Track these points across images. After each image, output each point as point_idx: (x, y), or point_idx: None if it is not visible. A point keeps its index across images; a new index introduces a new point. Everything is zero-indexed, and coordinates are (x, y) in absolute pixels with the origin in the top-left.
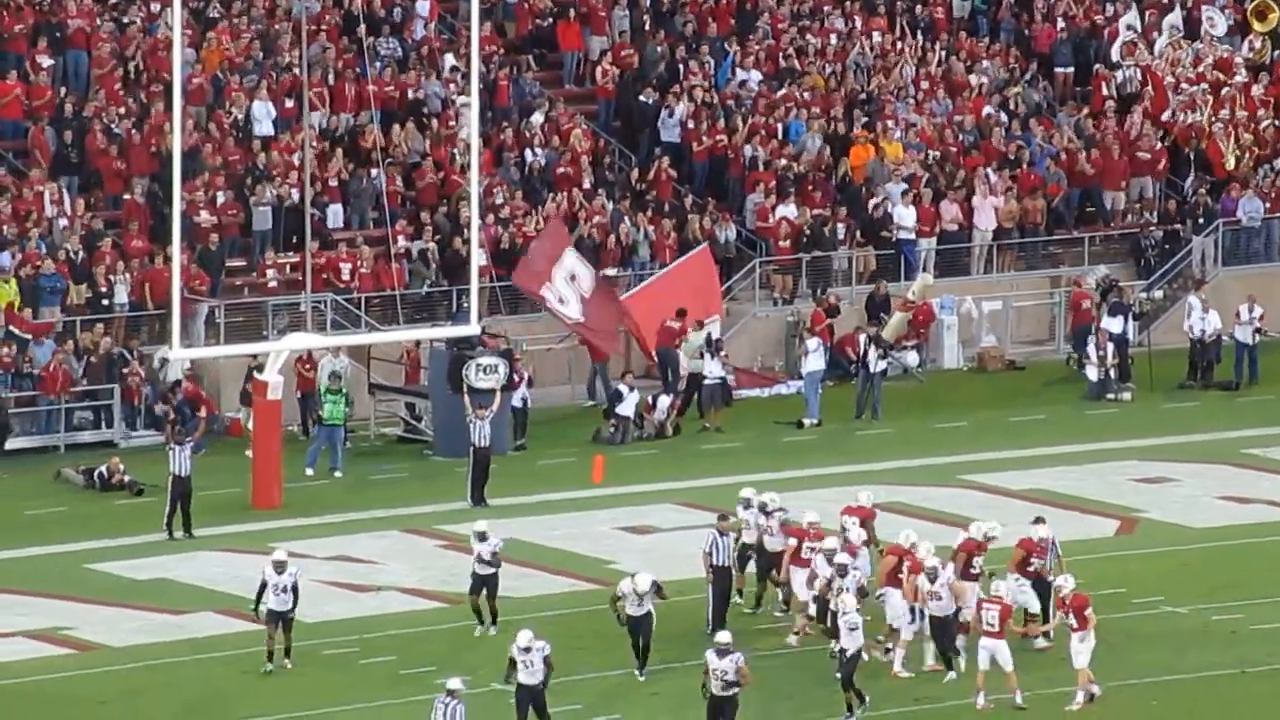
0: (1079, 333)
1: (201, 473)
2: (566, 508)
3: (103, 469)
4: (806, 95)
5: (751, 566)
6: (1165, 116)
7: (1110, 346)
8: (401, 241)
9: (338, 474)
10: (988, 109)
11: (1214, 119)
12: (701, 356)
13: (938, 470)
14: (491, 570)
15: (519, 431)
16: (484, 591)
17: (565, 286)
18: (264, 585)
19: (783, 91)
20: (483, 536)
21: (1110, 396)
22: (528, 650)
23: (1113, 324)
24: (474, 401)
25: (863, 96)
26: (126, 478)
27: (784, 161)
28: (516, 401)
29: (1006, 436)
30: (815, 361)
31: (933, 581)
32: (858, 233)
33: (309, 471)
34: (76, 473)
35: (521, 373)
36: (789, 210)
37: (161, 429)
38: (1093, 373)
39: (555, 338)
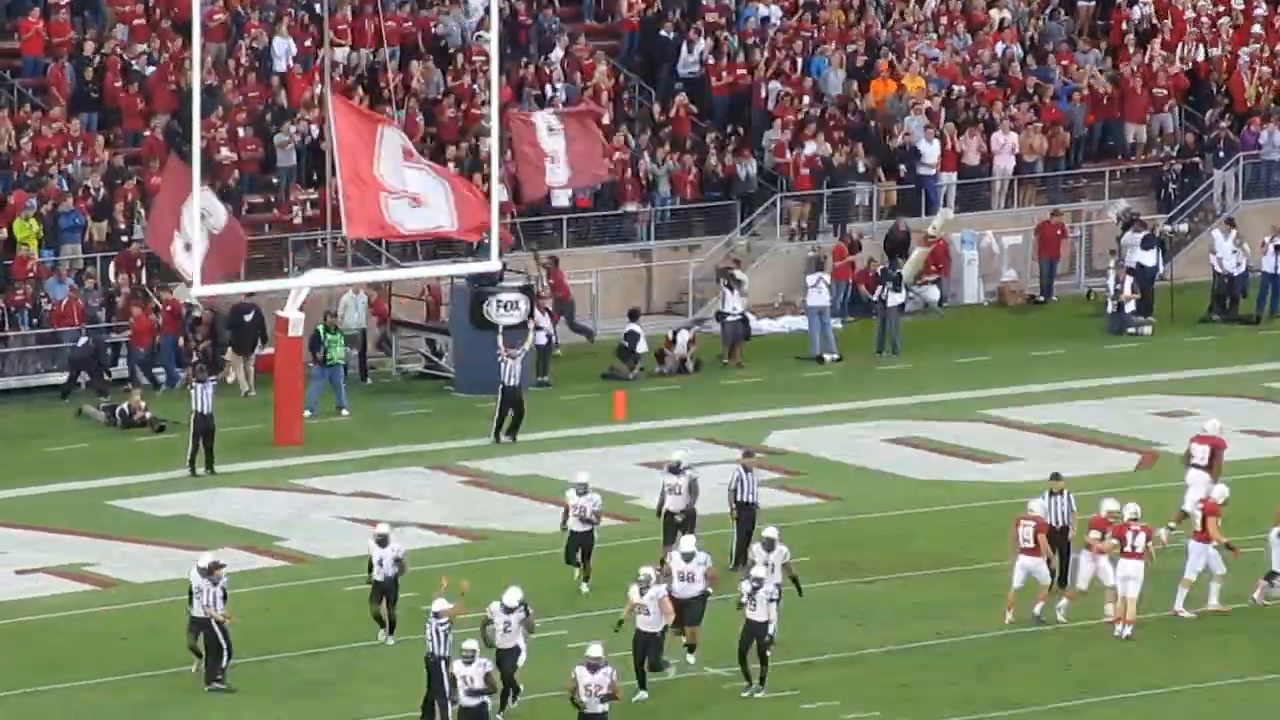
0: (1045, 265)
1: (223, 410)
2: (589, 443)
3: (124, 406)
4: (826, 30)
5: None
6: (1184, 49)
7: (1129, 280)
8: None
9: (345, 413)
10: (1002, 45)
11: (1235, 52)
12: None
13: (958, 405)
14: (588, 528)
15: (542, 368)
16: (579, 553)
17: (192, 229)
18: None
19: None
20: (583, 490)
21: (1130, 330)
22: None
23: (1145, 256)
24: (506, 340)
25: (883, 32)
26: (147, 415)
27: (805, 98)
28: (541, 339)
29: (1027, 371)
30: (817, 297)
31: (642, 594)
32: (879, 168)
33: (307, 414)
34: (98, 410)
35: (545, 309)
36: (811, 147)
37: (184, 366)
38: (1113, 306)
39: (579, 273)
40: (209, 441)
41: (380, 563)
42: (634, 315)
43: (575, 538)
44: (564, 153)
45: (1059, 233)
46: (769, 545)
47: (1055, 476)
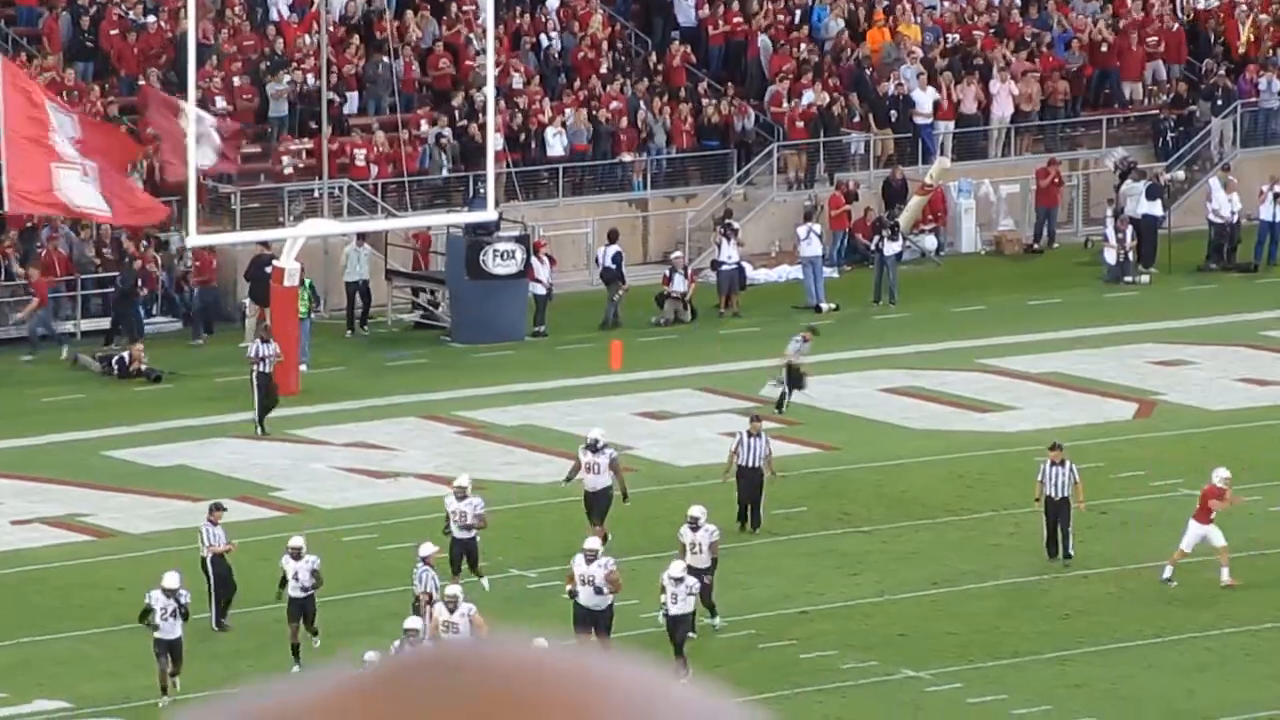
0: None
1: (218, 361)
2: (585, 393)
3: (123, 355)
4: None
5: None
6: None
7: (1130, 229)
8: (425, 126)
9: (304, 367)
10: None
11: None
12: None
13: (955, 354)
14: (470, 534)
15: (539, 318)
16: (464, 559)
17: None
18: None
19: None
20: (462, 494)
21: (1129, 280)
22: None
23: (1150, 206)
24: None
25: None
26: (144, 365)
27: (803, 46)
28: (540, 289)
29: (1024, 320)
30: (809, 247)
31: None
32: (872, 117)
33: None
34: (94, 359)
35: (543, 259)
36: (808, 96)
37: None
38: (1111, 255)
39: (574, 223)
40: (270, 399)
41: (295, 576)
42: (613, 237)
43: (457, 545)
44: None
45: (1055, 181)
46: (694, 524)
47: (1055, 446)
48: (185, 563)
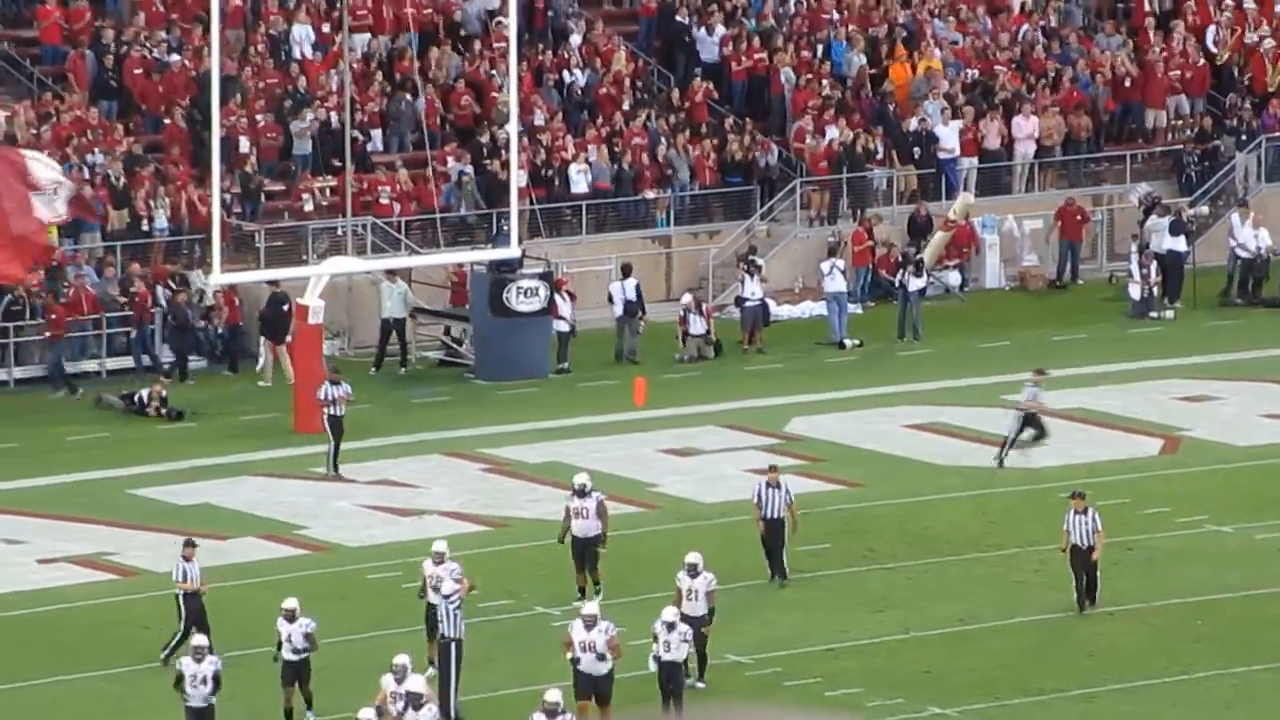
0: (1066, 248)
1: (243, 398)
2: (609, 430)
3: (143, 393)
4: (847, 14)
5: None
6: (1210, 33)
7: (1154, 264)
8: (450, 164)
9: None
10: (1026, 28)
11: (1261, 36)
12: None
13: (980, 390)
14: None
15: (562, 354)
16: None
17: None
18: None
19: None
20: (440, 559)
21: (1153, 315)
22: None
23: (1174, 242)
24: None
25: (902, 14)
26: (165, 403)
27: (825, 83)
28: (564, 326)
29: (1049, 356)
30: (833, 283)
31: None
32: (896, 153)
33: None
34: (117, 398)
35: (565, 296)
36: (833, 132)
37: (201, 353)
38: (1135, 291)
39: (597, 260)
40: (336, 441)
41: (289, 639)
42: (627, 271)
43: (432, 610)
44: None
45: (1079, 218)
46: (692, 571)
47: (1077, 495)
48: (207, 603)
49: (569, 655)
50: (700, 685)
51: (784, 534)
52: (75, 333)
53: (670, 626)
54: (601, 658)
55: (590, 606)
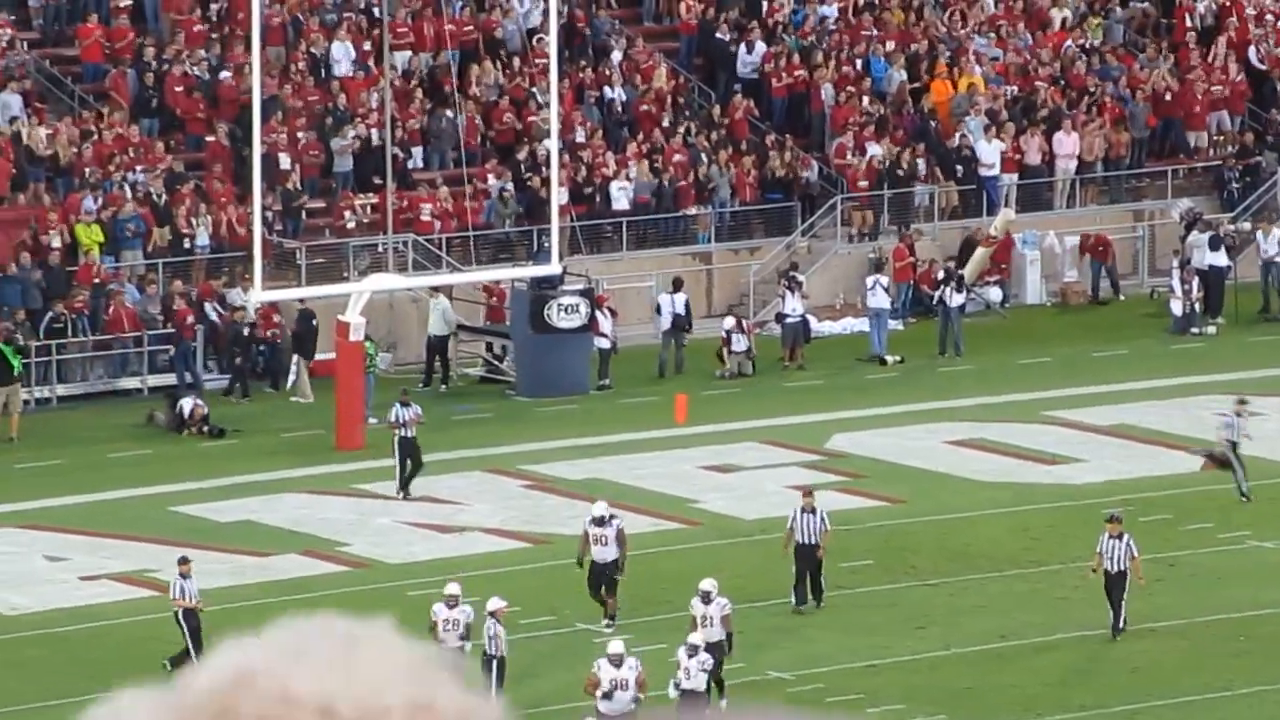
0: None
1: (285, 414)
2: (650, 447)
3: (185, 410)
4: (886, 30)
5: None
6: (1251, 50)
7: (1196, 280)
8: (491, 181)
9: (372, 421)
10: (1069, 44)
11: None
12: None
13: (1021, 406)
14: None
15: (603, 371)
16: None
17: None
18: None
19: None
20: (454, 602)
21: (1195, 331)
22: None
23: (1215, 257)
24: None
25: (942, 32)
26: (205, 420)
27: (865, 99)
28: (605, 343)
29: (1090, 372)
30: (875, 299)
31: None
32: (936, 169)
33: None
34: (163, 415)
35: (606, 312)
36: (874, 149)
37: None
38: (1177, 306)
39: (638, 276)
40: (414, 462)
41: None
42: (679, 285)
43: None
44: None
45: (1101, 247)
46: (706, 598)
47: (1113, 519)
48: (250, 621)
49: (597, 694)
50: (723, 703)
51: (819, 559)
52: (117, 350)
53: (693, 651)
54: (637, 701)
55: (616, 645)
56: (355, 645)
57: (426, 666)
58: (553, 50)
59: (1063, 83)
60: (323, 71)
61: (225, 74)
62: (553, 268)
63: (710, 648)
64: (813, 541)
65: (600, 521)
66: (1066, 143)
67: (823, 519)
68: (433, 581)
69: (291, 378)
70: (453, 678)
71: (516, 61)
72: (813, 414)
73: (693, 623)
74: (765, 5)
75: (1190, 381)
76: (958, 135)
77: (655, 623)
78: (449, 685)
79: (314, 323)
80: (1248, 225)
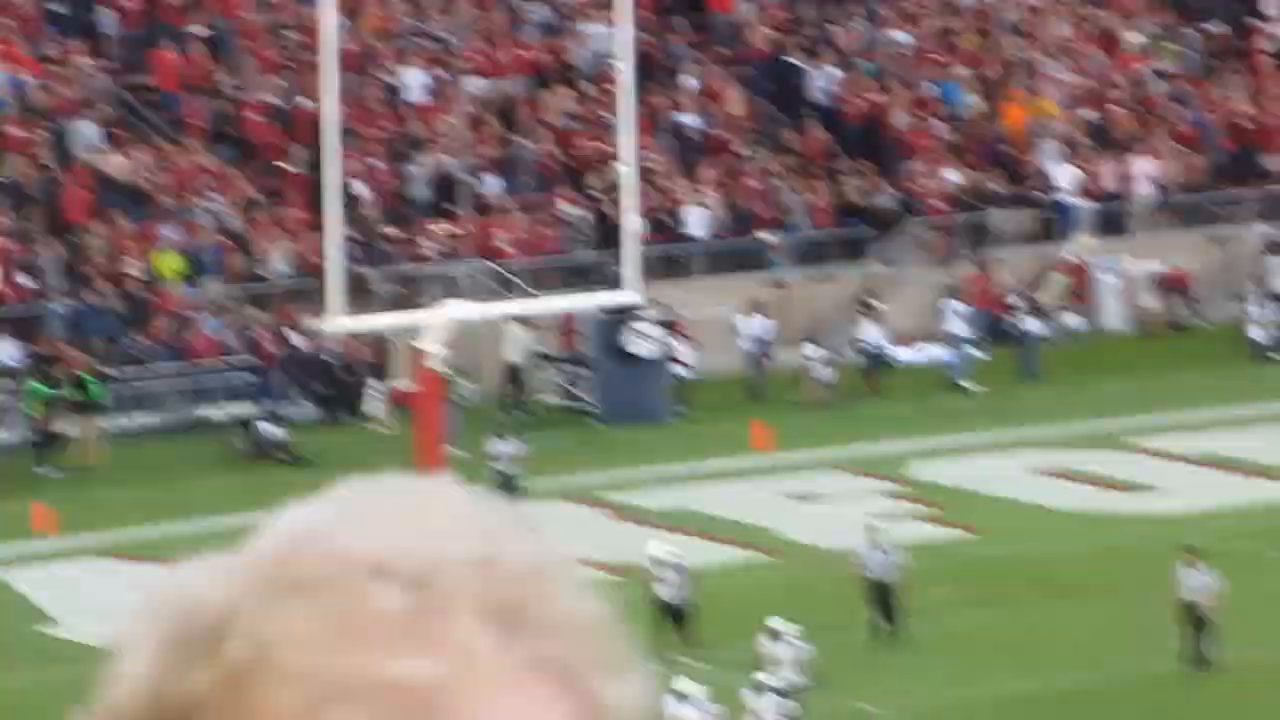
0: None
1: (366, 443)
2: (730, 475)
3: (265, 439)
4: (959, 54)
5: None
6: None
7: (1274, 305)
8: (564, 207)
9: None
10: (1147, 67)
11: None
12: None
13: (1102, 434)
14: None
15: (681, 398)
16: None
17: None
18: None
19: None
20: None
21: (1274, 356)
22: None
23: None
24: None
25: (1015, 56)
26: (288, 447)
27: (939, 124)
28: (682, 370)
29: (1171, 398)
30: (952, 325)
31: None
32: (1014, 194)
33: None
34: (245, 443)
35: (683, 339)
36: (951, 175)
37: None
38: (1257, 332)
39: (714, 303)
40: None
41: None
42: (761, 309)
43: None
44: None
45: (1178, 279)
46: (774, 635)
47: (1190, 550)
48: None
49: None
50: None
51: (891, 594)
52: (195, 377)
53: (759, 690)
54: None
55: (686, 684)
56: (420, 502)
57: (495, 521)
58: (628, 76)
59: (1138, 107)
60: (397, 98)
61: (294, 101)
62: (630, 295)
63: (783, 690)
64: (881, 577)
65: (659, 564)
66: (1143, 167)
67: (894, 553)
68: None
69: (371, 406)
70: (523, 533)
71: (591, 88)
72: (891, 442)
73: (756, 660)
74: (837, 30)
75: (1274, 409)
76: (1032, 160)
77: (733, 653)
78: (518, 540)
79: (392, 351)
80: None
